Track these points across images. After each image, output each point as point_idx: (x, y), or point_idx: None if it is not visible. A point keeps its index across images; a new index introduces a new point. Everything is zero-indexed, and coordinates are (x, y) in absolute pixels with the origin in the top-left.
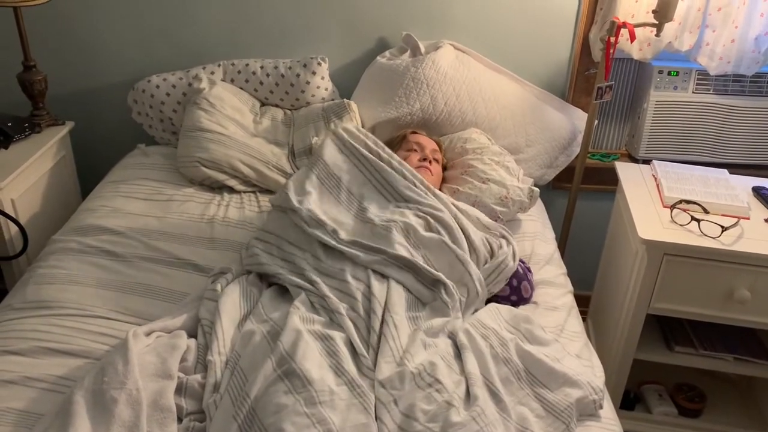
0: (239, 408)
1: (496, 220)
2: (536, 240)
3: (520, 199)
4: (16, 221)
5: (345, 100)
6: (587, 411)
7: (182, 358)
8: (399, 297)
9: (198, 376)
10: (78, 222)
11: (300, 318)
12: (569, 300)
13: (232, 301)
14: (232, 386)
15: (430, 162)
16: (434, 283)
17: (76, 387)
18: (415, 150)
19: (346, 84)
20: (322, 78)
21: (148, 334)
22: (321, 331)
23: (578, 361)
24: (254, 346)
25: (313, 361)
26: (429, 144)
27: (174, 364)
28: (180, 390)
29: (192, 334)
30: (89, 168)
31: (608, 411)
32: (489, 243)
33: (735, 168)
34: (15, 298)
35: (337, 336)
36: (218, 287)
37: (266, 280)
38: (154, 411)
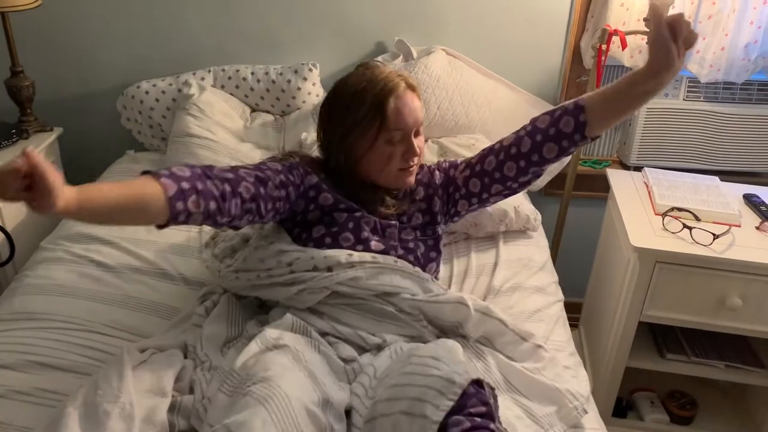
0: (228, 385)
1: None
2: (531, 246)
3: (518, 227)
4: (2, 229)
5: None
6: (571, 420)
7: (178, 378)
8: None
9: (191, 396)
10: (66, 230)
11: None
12: (558, 309)
13: (216, 330)
14: (225, 386)
15: (417, 153)
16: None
17: (69, 399)
18: (400, 140)
19: None
20: (314, 84)
21: (142, 351)
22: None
23: (561, 370)
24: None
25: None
26: (414, 115)
27: (169, 382)
28: (173, 408)
29: (185, 354)
30: (78, 174)
31: (593, 420)
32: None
33: (725, 175)
34: (2, 308)
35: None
36: (203, 311)
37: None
38: (146, 426)
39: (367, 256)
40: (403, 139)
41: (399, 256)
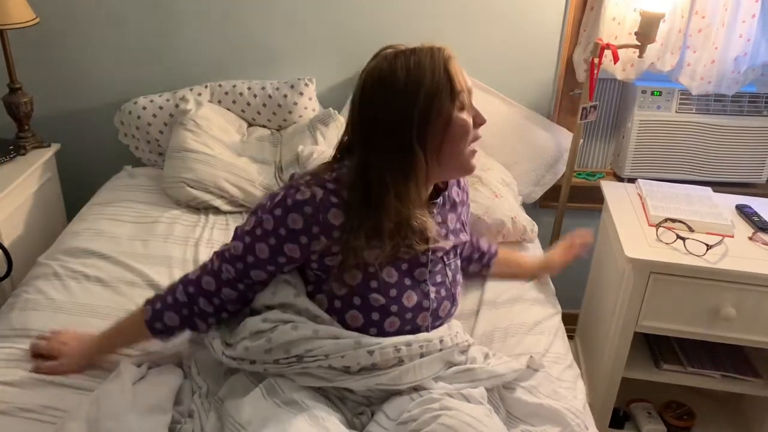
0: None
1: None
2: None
3: (515, 238)
4: (0, 245)
5: (330, 109)
6: None
7: (177, 400)
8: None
9: (190, 426)
10: (63, 245)
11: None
12: (556, 321)
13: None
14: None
15: (485, 119)
16: None
17: (70, 416)
18: (469, 104)
19: (334, 104)
20: (310, 99)
21: (138, 365)
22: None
23: (556, 385)
24: (238, 387)
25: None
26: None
27: (169, 398)
28: None
29: (180, 366)
30: (75, 190)
31: None
32: None
33: (718, 186)
34: (0, 324)
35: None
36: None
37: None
38: None
39: (389, 350)
40: (469, 101)
41: (434, 299)
